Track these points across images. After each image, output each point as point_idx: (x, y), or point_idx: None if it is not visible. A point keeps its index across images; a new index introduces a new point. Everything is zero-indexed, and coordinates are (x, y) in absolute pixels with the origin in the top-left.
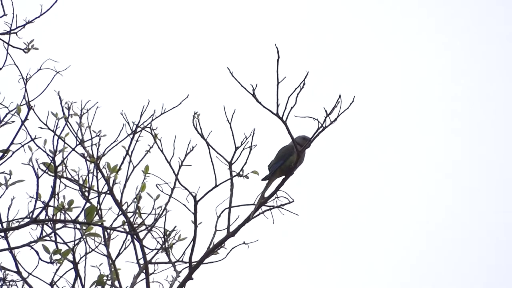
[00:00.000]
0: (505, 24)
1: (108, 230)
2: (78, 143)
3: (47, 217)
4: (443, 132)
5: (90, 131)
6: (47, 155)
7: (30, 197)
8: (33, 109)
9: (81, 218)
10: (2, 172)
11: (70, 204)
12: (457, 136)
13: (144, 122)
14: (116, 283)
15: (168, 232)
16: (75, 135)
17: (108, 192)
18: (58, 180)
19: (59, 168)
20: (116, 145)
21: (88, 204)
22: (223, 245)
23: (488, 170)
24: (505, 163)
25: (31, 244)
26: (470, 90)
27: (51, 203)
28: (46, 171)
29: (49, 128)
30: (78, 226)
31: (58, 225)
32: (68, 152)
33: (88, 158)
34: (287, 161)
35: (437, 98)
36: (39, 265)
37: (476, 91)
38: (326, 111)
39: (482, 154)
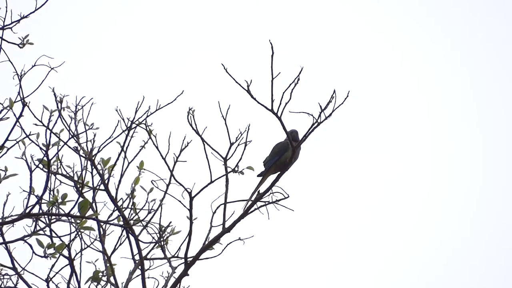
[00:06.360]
0: (506, 23)
1: (103, 226)
2: (70, 136)
3: (40, 211)
4: (439, 127)
5: (84, 125)
6: (40, 149)
7: (24, 191)
8: (27, 106)
9: (75, 212)
10: None
11: (64, 198)
12: (455, 131)
13: (139, 118)
14: (112, 279)
15: (163, 228)
16: (68, 129)
17: (99, 186)
18: (52, 175)
19: (54, 165)
20: (111, 141)
21: (81, 199)
22: (218, 241)
23: (486, 166)
24: (500, 158)
25: (25, 238)
26: (468, 84)
27: (45, 198)
28: (39, 165)
29: (42, 123)
30: (72, 219)
31: (52, 219)
32: (61, 146)
33: (81, 152)
34: (282, 157)
35: (434, 92)
36: (34, 261)
37: (473, 85)
38: (320, 106)
39: (480, 149)
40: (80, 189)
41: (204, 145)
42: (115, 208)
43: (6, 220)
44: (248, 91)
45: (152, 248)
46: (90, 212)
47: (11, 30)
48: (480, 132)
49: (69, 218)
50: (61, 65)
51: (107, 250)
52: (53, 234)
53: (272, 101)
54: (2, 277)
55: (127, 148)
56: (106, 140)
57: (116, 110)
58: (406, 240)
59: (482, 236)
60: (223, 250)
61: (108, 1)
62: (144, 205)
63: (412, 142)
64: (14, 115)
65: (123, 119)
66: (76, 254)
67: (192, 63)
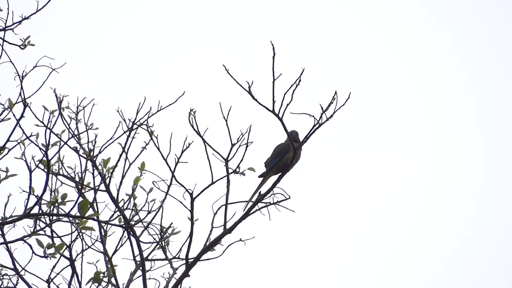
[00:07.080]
0: (506, 23)
1: (104, 227)
2: (70, 136)
3: (40, 211)
4: (439, 128)
5: (85, 126)
6: (40, 149)
7: (23, 191)
8: (29, 107)
9: (75, 213)
10: None
11: (64, 198)
12: (455, 131)
13: (140, 119)
14: (113, 280)
15: (164, 229)
16: (68, 128)
17: (99, 186)
18: (52, 176)
19: (55, 166)
20: (113, 142)
21: (81, 199)
22: (219, 242)
23: (486, 166)
24: (499, 158)
25: (25, 239)
26: (468, 84)
27: (46, 198)
28: (39, 165)
29: (43, 124)
30: (72, 219)
31: (53, 220)
32: (61, 146)
33: (81, 151)
34: (283, 158)
35: (434, 92)
36: (35, 261)
37: (473, 85)
38: (322, 107)
39: (480, 149)
40: (81, 189)
41: (205, 146)
42: (116, 209)
43: (7, 220)
44: (250, 92)
45: (153, 249)
46: (90, 212)
47: (13, 31)
48: (480, 132)
49: (70, 218)
50: (62, 66)
51: (108, 251)
52: (54, 234)
53: (274, 102)
54: (2, 277)
55: (128, 149)
56: (108, 141)
57: (118, 111)
58: (406, 240)
59: (482, 236)
60: (224, 251)
61: (109, 2)
62: (145, 206)
63: (413, 143)
64: (14, 116)
65: (124, 120)
66: (77, 255)
67: (193, 64)
